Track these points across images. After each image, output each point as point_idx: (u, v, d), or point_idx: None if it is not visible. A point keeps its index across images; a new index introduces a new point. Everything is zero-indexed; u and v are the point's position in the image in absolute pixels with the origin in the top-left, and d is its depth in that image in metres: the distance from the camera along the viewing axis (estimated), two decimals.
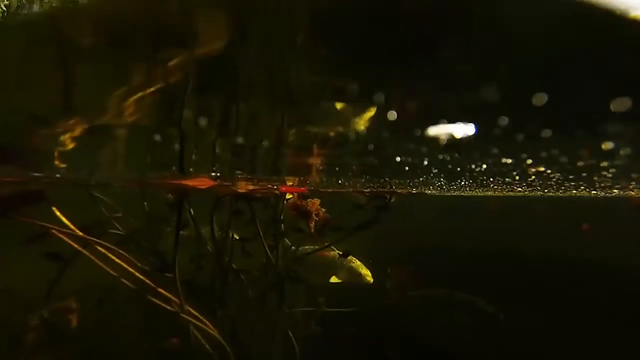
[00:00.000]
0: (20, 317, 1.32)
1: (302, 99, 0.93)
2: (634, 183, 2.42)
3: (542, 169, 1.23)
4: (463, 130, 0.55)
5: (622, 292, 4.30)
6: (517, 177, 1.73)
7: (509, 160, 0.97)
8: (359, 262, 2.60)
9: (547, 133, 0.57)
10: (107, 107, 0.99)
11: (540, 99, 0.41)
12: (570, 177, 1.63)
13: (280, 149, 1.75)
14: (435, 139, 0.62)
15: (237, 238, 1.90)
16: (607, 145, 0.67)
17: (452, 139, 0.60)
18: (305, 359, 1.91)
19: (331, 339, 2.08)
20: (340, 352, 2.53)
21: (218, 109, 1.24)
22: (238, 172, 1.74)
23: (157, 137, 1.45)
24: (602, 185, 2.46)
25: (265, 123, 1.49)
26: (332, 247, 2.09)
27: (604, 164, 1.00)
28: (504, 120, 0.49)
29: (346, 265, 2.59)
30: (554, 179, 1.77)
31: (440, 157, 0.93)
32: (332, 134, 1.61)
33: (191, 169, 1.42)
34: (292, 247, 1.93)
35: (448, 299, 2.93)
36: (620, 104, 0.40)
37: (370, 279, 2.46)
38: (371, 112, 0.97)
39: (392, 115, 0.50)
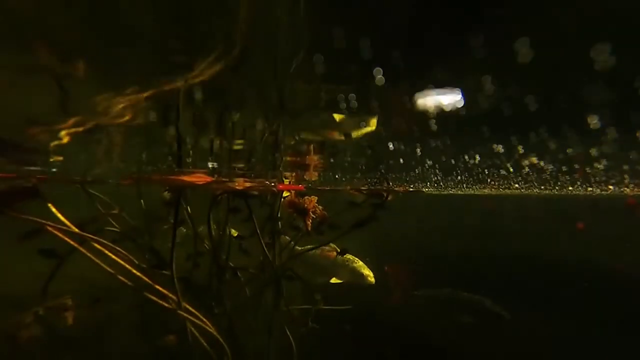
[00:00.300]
0: (14, 315, 1.30)
1: (297, 106, 0.94)
2: (627, 177, 2.44)
3: (534, 160, 1.24)
4: (451, 98, 0.56)
5: (615, 291, 4.34)
6: (511, 170, 1.74)
7: (501, 148, 0.98)
8: (361, 263, 2.59)
9: (531, 102, 0.58)
10: (102, 110, 0.99)
11: (524, 53, 0.42)
12: (564, 169, 1.64)
13: (276, 148, 1.76)
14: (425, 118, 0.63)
15: (236, 235, 1.89)
16: (593, 121, 0.69)
17: (440, 109, 0.61)
18: (302, 355, 1.89)
19: (328, 336, 2.06)
20: (336, 350, 2.51)
21: (215, 108, 1.25)
22: (235, 167, 1.74)
23: (155, 135, 1.46)
24: (597, 179, 2.49)
25: (261, 125, 1.51)
26: (334, 246, 2.09)
27: (593, 151, 1.01)
28: (489, 82, 0.50)
29: (348, 265, 2.58)
30: (548, 172, 1.78)
31: (433, 144, 0.94)
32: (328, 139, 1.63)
33: (189, 159, 1.42)
34: (292, 243, 1.93)
35: (450, 299, 2.92)
36: (600, 51, 0.41)
37: (372, 279, 2.44)
38: (372, 127, 0.97)
39: (379, 73, 0.50)
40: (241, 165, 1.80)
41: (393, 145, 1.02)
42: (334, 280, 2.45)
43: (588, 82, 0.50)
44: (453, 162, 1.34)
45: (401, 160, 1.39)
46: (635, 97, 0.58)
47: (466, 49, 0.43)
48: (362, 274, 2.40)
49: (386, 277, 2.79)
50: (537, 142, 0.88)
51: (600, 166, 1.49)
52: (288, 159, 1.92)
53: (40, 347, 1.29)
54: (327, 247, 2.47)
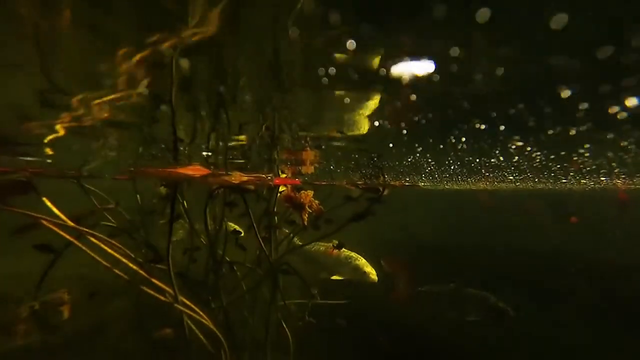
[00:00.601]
0: (10, 310, 1.29)
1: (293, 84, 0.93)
2: (616, 166, 2.49)
3: (519, 142, 1.28)
4: (423, 67, 0.59)
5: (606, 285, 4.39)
6: (500, 158, 1.78)
7: (483, 126, 1.01)
8: (363, 260, 2.52)
9: (500, 71, 0.61)
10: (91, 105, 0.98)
11: (484, 14, 0.44)
12: (552, 156, 1.68)
13: (273, 142, 1.78)
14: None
15: (232, 230, 1.90)
16: (566, 94, 0.72)
17: (414, 78, 0.63)
18: (298, 348, 1.89)
19: (324, 330, 2.06)
20: (332, 343, 2.49)
21: (210, 100, 1.26)
22: (232, 160, 1.75)
23: (150, 129, 1.47)
24: (587, 168, 2.53)
25: (256, 120, 1.52)
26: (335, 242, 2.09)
27: (572, 132, 1.05)
28: (456, 51, 0.53)
29: (351, 263, 2.50)
30: (538, 159, 1.82)
31: (416, 118, 0.96)
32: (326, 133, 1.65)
33: (183, 148, 1.43)
34: (290, 237, 1.94)
35: (454, 295, 2.92)
36: (559, 21, 0.44)
37: (374, 277, 2.41)
38: (375, 100, 0.96)
39: (351, 44, 0.52)
40: (239, 160, 1.81)
41: (379, 122, 1.04)
42: (335, 277, 2.45)
43: (554, 52, 0.53)
44: (441, 146, 1.37)
45: (390, 145, 1.41)
46: (602, 69, 0.62)
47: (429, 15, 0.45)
48: (364, 272, 2.41)
49: (385, 272, 2.79)
50: (515, 117, 0.91)
51: (584, 151, 1.53)
52: (284, 155, 1.94)
53: (37, 341, 1.28)
54: (326, 243, 2.48)
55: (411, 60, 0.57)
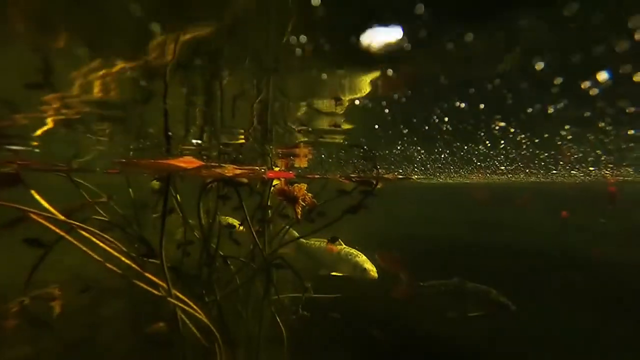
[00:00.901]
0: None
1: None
2: (602, 154, 2.54)
3: (502, 123, 1.32)
4: (393, 35, 0.61)
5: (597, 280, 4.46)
6: (488, 143, 1.81)
7: (463, 105, 1.04)
8: (363, 257, 2.50)
9: (469, 37, 0.63)
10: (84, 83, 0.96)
11: None
12: (537, 140, 1.72)
13: (266, 135, 1.78)
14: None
15: (226, 224, 1.90)
16: (540, 66, 0.75)
17: (387, 47, 0.64)
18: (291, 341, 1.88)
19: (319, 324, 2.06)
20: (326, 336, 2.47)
21: (202, 90, 1.26)
22: (225, 153, 1.75)
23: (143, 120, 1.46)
24: (575, 156, 2.58)
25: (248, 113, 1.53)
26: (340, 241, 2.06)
27: (550, 109, 1.08)
28: (421, 9, 0.54)
29: (351, 260, 2.49)
30: (524, 145, 1.86)
31: (395, 96, 0.98)
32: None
33: (176, 141, 1.41)
34: (286, 231, 1.95)
35: (457, 289, 2.92)
36: None
37: (374, 274, 2.41)
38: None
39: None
40: (231, 150, 1.81)
41: (359, 101, 1.06)
42: (334, 273, 2.46)
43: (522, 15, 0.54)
44: (426, 127, 1.40)
45: (376, 126, 1.42)
46: (571, 34, 0.64)
47: None
48: (364, 269, 2.41)
49: (380, 267, 2.80)
50: (493, 94, 0.94)
51: (567, 134, 1.57)
52: (277, 148, 1.95)
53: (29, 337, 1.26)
54: (322, 238, 2.48)
55: (382, 29, 0.58)
